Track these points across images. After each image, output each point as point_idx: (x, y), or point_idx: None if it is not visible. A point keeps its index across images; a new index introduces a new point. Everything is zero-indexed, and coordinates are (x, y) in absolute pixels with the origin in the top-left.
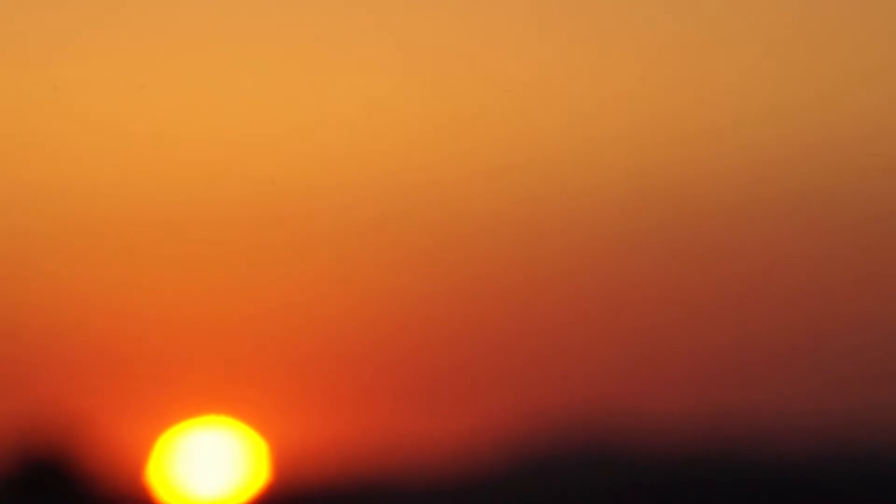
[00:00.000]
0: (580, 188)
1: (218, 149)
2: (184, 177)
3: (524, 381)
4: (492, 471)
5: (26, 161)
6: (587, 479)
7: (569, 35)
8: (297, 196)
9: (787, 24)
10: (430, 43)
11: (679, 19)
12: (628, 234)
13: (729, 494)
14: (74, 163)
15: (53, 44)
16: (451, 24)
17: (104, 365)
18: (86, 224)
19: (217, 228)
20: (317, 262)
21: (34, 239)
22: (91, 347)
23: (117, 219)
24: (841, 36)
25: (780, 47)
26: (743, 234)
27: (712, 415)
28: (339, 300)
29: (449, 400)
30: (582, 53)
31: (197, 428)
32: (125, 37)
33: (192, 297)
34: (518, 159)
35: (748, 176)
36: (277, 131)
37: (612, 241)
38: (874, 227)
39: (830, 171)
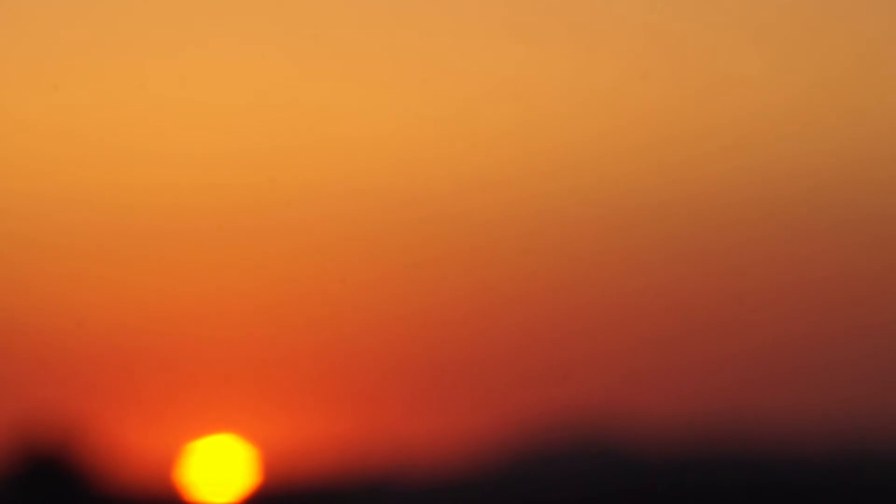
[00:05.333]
0: (581, 191)
1: (219, 149)
2: (184, 177)
3: (525, 382)
4: (491, 471)
5: (26, 161)
6: (587, 480)
7: (573, 36)
8: (295, 197)
9: (789, 24)
10: (432, 44)
11: (681, 18)
12: (628, 235)
13: (728, 495)
14: (74, 163)
15: (53, 44)
16: (453, 26)
17: (101, 367)
18: (86, 224)
19: (217, 229)
20: (315, 265)
21: (34, 239)
22: (90, 349)
23: (117, 219)
24: (846, 34)
25: (782, 47)
26: (744, 236)
27: (712, 416)
28: (336, 303)
29: (449, 401)
30: (584, 54)
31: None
32: (125, 37)
33: (189, 299)
34: (520, 162)
35: (751, 179)
36: (279, 131)
37: (612, 242)
38: (875, 232)
39: (834, 175)
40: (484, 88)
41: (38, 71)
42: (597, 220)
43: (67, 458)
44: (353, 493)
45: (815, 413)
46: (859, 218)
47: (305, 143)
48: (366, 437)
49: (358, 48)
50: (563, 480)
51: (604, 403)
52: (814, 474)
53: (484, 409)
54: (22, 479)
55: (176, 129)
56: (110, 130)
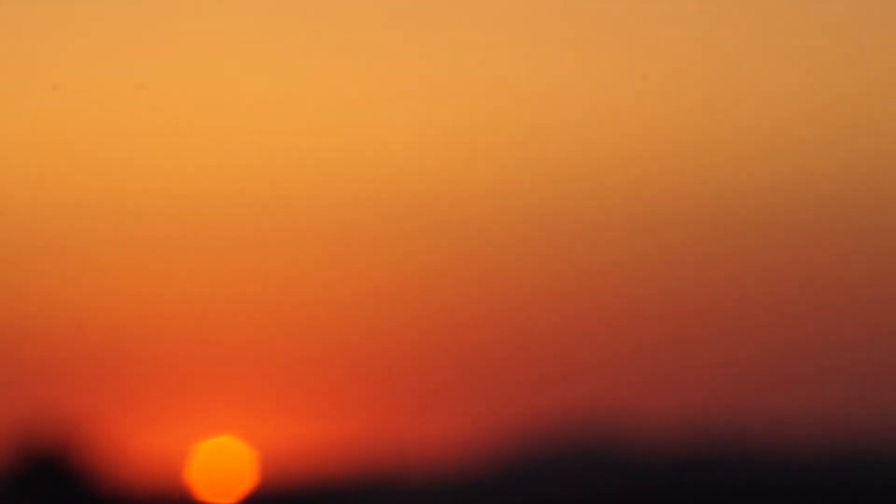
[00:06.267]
0: (581, 196)
1: (218, 149)
2: (184, 178)
3: (526, 383)
4: (491, 471)
5: (26, 160)
6: (587, 480)
7: (572, 36)
8: (295, 198)
9: (790, 25)
10: (433, 44)
11: (680, 19)
12: (627, 239)
13: (727, 495)
14: (74, 162)
15: (53, 44)
16: (453, 25)
17: (101, 368)
18: (87, 224)
19: (218, 230)
20: (316, 267)
21: (35, 239)
22: (90, 350)
23: (119, 219)
24: (846, 34)
25: (781, 46)
26: (743, 236)
27: (711, 417)
28: (337, 306)
29: (449, 402)
30: (583, 54)
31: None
32: (125, 37)
33: (190, 301)
34: (522, 167)
35: (752, 184)
36: (278, 131)
37: (611, 246)
38: (874, 232)
39: (836, 180)
40: (484, 90)
41: (38, 71)
42: (596, 223)
43: (67, 458)
44: (354, 493)
45: (813, 414)
46: (859, 224)
47: (309, 146)
48: (366, 438)
49: (360, 53)
50: (563, 480)
51: (604, 404)
52: (812, 475)
53: (485, 410)
54: (22, 479)
55: (176, 129)
56: (110, 130)
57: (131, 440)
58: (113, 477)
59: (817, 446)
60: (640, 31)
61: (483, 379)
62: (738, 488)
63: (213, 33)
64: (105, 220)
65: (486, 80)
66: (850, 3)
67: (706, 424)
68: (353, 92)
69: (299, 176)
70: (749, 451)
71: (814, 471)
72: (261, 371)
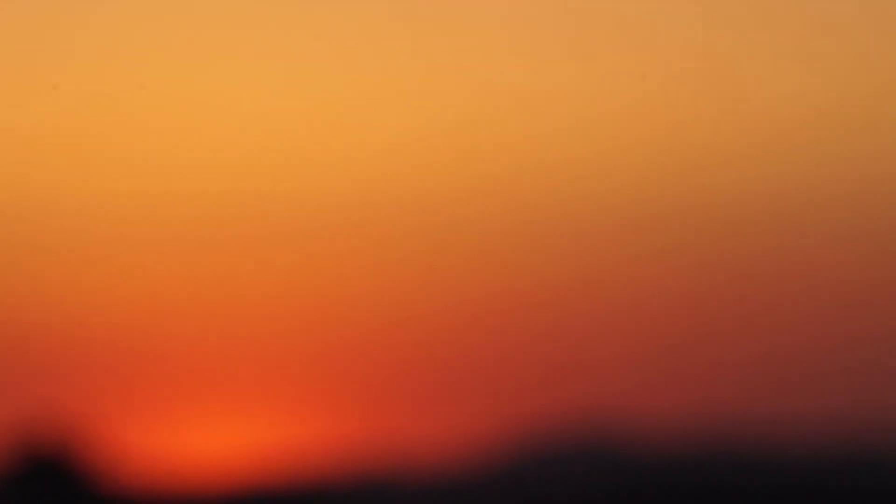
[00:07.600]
0: (579, 192)
1: (218, 149)
2: (184, 177)
3: (526, 383)
4: (491, 471)
5: (26, 160)
6: (588, 480)
7: (570, 36)
8: (297, 197)
9: (789, 25)
10: (431, 45)
11: (679, 19)
12: (628, 236)
13: (727, 496)
14: (74, 162)
15: (53, 44)
16: (452, 25)
17: (104, 365)
18: (87, 224)
19: (216, 229)
20: (318, 268)
21: (35, 238)
22: (90, 348)
23: (119, 219)
24: (849, 35)
25: (780, 47)
26: (743, 236)
27: (712, 417)
28: (339, 306)
29: (450, 402)
30: (582, 53)
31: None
32: (125, 37)
33: (191, 300)
34: (519, 163)
35: (749, 178)
36: (278, 131)
37: (613, 243)
38: (874, 233)
39: (838, 182)
40: (481, 90)
41: (38, 71)
42: (594, 224)
43: (67, 458)
44: (354, 493)
45: (813, 414)
46: (859, 224)
47: (310, 146)
48: (367, 438)
49: (360, 53)
50: (563, 480)
51: (604, 404)
52: (813, 475)
53: (485, 411)
54: (22, 479)
55: (176, 129)
56: (110, 130)
57: (131, 440)
58: (113, 477)
59: (817, 446)
60: (638, 30)
61: (483, 379)
62: (738, 488)
63: (213, 33)
64: (105, 220)
65: (483, 80)
66: (851, 3)
67: (706, 424)
68: (353, 92)
69: (299, 175)
70: (749, 451)
71: (814, 471)
72: (261, 370)
